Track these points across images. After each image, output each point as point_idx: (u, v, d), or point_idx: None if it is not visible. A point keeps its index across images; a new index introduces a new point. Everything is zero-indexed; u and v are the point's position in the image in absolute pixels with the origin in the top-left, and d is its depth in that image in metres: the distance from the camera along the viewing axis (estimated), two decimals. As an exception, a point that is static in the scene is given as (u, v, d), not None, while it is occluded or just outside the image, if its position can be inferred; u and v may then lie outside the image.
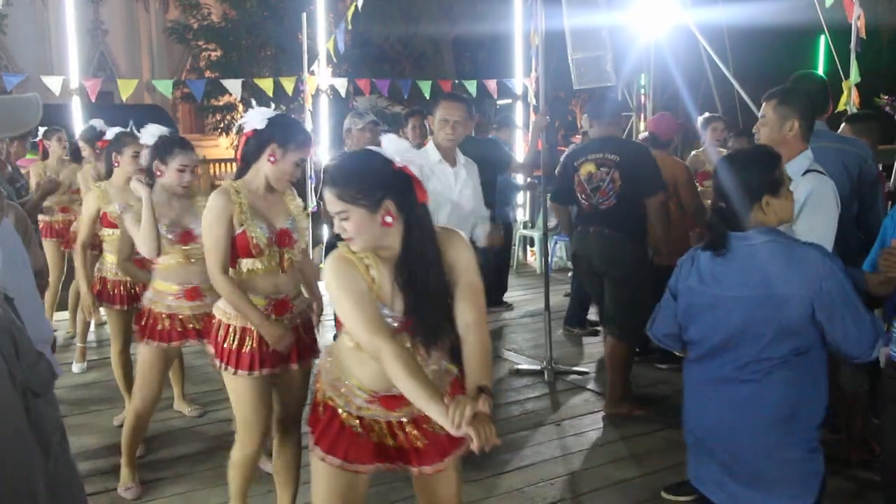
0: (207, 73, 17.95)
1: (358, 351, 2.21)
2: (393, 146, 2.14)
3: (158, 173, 3.56)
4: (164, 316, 3.61)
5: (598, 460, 4.19)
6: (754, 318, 2.28)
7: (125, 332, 4.33)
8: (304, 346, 3.11)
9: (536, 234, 8.88)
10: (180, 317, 3.62)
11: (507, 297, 7.36)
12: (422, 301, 2.14)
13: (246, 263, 2.93)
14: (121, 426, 4.41)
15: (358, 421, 2.28)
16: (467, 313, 2.18)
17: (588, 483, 3.93)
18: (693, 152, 6.50)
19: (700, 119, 6.26)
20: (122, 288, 4.28)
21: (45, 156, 6.15)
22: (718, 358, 2.39)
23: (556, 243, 8.58)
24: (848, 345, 2.26)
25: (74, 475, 1.56)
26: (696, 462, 2.53)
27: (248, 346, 2.94)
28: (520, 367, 5.64)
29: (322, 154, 8.32)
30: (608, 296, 4.70)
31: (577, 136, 6.78)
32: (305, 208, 3.26)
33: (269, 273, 2.96)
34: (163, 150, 3.57)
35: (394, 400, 2.23)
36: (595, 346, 6.18)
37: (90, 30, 22.75)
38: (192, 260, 3.58)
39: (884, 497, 2.97)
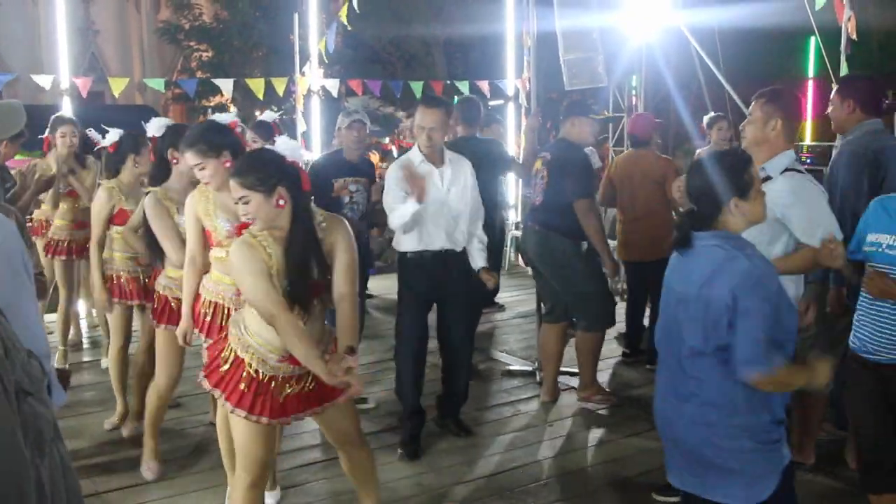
0: (199, 74, 17.91)
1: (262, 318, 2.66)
2: (285, 145, 2.71)
3: (175, 161, 3.68)
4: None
5: (589, 461, 4.19)
6: (689, 314, 2.39)
7: (126, 330, 4.43)
8: None
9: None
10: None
11: (499, 298, 7.36)
12: (302, 271, 2.63)
13: (213, 252, 3.32)
14: (112, 430, 4.43)
15: (270, 381, 2.71)
16: (341, 286, 2.70)
17: (580, 484, 3.94)
18: (697, 151, 6.52)
19: (706, 118, 6.30)
20: (132, 285, 4.33)
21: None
22: (668, 351, 2.51)
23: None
24: (733, 355, 2.31)
25: (70, 473, 1.55)
26: (666, 453, 2.63)
27: (220, 321, 3.32)
28: (511, 368, 5.64)
29: (315, 155, 8.30)
30: (560, 290, 4.87)
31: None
32: None
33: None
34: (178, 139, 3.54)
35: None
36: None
37: (81, 30, 22.64)
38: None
39: (860, 481, 3.02)
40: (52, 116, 5.59)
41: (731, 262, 2.32)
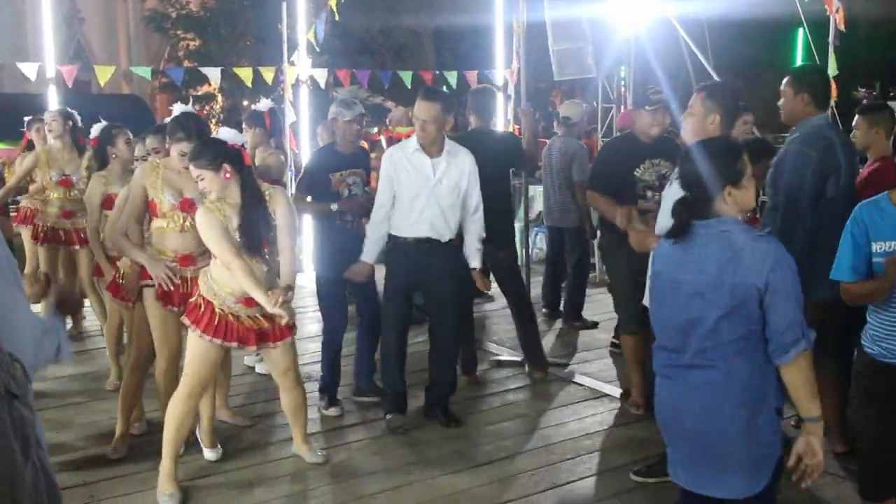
0: (186, 63, 17.80)
1: (228, 270, 3.45)
2: (226, 134, 3.56)
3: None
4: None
5: (578, 451, 4.20)
6: (708, 304, 2.35)
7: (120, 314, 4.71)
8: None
9: (517, 226, 8.87)
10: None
11: (488, 288, 7.36)
12: (252, 227, 3.46)
13: (155, 223, 3.88)
14: (114, 391, 4.74)
15: (230, 315, 3.53)
16: (283, 240, 3.57)
17: (568, 474, 3.95)
18: None
19: None
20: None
21: (31, 147, 6.09)
22: (680, 343, 2.45)
23: (536, 234, 8.58)
24: (771, 336, 2.31)
25: (50, 478, 1.52)
26: (668, 446, 2.58)
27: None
28: (500, 358, 5.65)
29: (303, 145, 8.27)
30: None
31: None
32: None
33: (173, 232, 3.84)
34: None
35: (251, 300, 3.50)
36: (576, 338, 6.22)
37: (66, 18, 22.41)
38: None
39: (860, 487, 3.02)
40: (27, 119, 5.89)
41: (754, 246, 2.32)
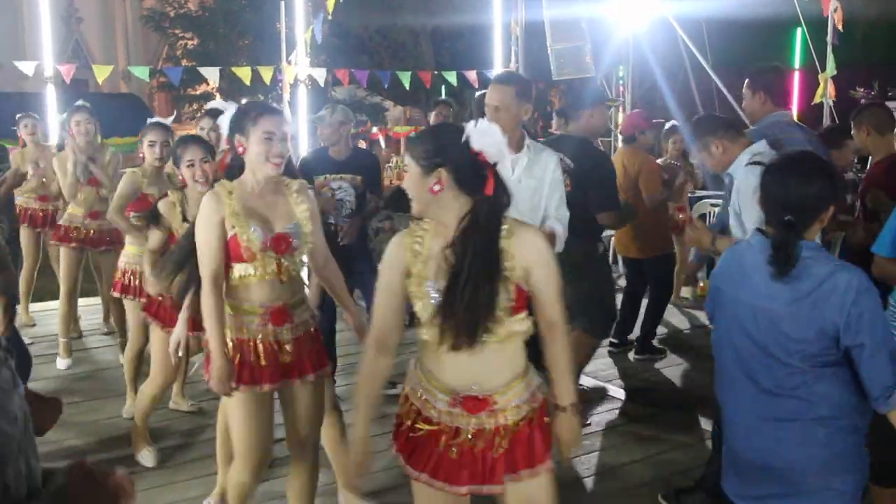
0: (184, 62, 17.78)
1: (434, 348, 2.13)
2: (481, 131, 2.10)
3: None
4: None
5: (579, 451, 4.20)
6: (782, 331, 2.23)
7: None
8: (308, 359, 2.80)
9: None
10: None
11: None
12: (460, 288, 2.05)
13: (238, 269, 2.68)
14: (129, 418, 4.40)
15: (443, 436, 2.16)
16: (548, 312, 2.20)
17: (570, 473, 3.95)
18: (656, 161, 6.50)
19: (666, 126, 6.28)
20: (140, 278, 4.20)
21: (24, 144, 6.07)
22: (746, 373, 2.33)
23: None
24: (868, 380, 2.14)
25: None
26: (742, 480, 2.43)
27: (252, 357, 2.71)
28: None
29: (301, 145, 8.25)
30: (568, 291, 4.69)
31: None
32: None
33: (263, 280, 2.69)
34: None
35: (476, 402, 2.14)
36: (574, 337, 6.21)
37: (64, 17, 22.41)
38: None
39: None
40: (73, 106, 5.28)
41: (834, 276, 2.15)
